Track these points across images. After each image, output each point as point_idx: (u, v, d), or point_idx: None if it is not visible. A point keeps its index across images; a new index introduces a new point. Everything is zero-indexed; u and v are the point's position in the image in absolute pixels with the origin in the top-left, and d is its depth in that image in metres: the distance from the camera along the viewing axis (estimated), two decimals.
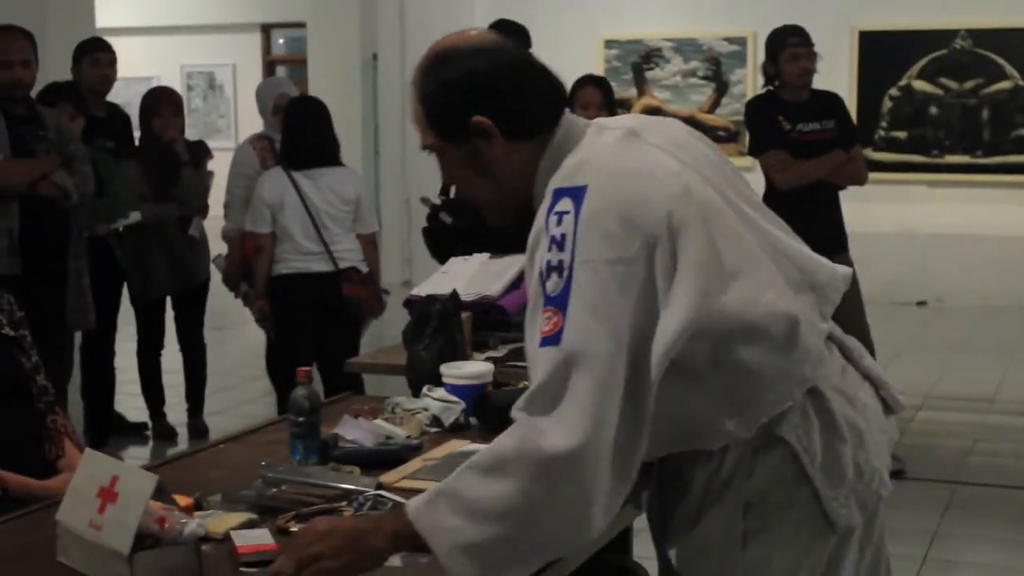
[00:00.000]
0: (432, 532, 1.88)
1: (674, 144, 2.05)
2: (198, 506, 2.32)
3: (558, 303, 1.87)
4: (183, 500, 2.24)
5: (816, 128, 5.76)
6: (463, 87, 2.01)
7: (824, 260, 2.15)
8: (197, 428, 6.52)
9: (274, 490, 2.40)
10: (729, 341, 1.94)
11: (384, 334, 6.66)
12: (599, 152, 2.00)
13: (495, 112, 2.00)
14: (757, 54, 9.92)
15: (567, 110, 2.09)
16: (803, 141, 5.72)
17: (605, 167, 1.96)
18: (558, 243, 1.89)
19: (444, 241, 6.20)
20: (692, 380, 1.96)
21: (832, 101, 5.97)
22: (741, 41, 11.06)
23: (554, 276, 1.89)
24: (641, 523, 3.61)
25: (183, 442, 6.41)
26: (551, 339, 1.86)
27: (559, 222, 1.91)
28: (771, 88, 5.90)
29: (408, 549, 1.94)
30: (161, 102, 6.27)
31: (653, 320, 1.89)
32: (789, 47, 5.75)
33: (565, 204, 1.92)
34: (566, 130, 2.05)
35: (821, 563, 2.07)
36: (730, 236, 1.97)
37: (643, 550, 3.72)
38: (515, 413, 1.91)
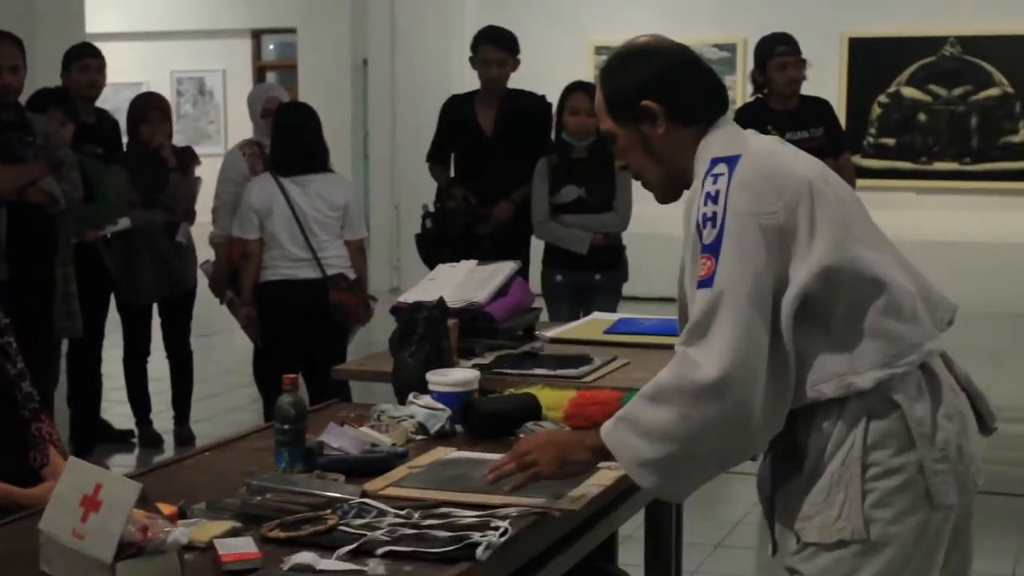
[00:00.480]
0: (617, 449, 2.26)
1: (819, 166, 2.36)
2: (182, 514, 2.30)
3: (712, 250, 2.19)
4: (167, 508, 2.23)
5: (805, 136, 5.76)
6: (640, 77, 2.37)
7: (937, 286, 2.40)
8: (183, 435, 6.50)
9: (259, 498, 2.39)
10: (862, 297, 2.20)
11: (371, 341, 6.65)
12: (752, 137, 2.37)
13: (663, 99, 2.34)
14: (747, 61, 9.91)
15: (726, 114, 2.41)
16: None
17: (757, 146, 2.32)
18: (712, 197, 2.21)
19: (433, 248, 6.21)
20: (823, 328, 2.20)
21: (821, 108, 5.97)
22: (731, 48, 11.08)
23: (709, 226, 2.20)
24: (626, 530, 3.61)
25: (169, 449, 6.39)
26: (706, 282, 2.18)
27: (715, 181, 2.23)
28: (760, 96, 5.91)
29: (606, 460, 2.32)
30: (148, 108, 6.25)
31: (789, 266, 2.18)
32: (777, 56, 5.76)
33: (721, 168, 2.24)
34: (723, 124, 2.38)
35: (927, 536, 2.22)
36: (863, 220, 2.30)
37: (628, 557, 3.72)
38: (677, 347, 2.23)
